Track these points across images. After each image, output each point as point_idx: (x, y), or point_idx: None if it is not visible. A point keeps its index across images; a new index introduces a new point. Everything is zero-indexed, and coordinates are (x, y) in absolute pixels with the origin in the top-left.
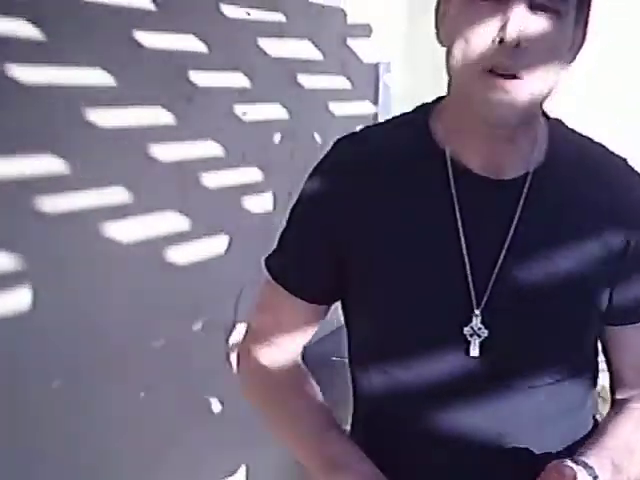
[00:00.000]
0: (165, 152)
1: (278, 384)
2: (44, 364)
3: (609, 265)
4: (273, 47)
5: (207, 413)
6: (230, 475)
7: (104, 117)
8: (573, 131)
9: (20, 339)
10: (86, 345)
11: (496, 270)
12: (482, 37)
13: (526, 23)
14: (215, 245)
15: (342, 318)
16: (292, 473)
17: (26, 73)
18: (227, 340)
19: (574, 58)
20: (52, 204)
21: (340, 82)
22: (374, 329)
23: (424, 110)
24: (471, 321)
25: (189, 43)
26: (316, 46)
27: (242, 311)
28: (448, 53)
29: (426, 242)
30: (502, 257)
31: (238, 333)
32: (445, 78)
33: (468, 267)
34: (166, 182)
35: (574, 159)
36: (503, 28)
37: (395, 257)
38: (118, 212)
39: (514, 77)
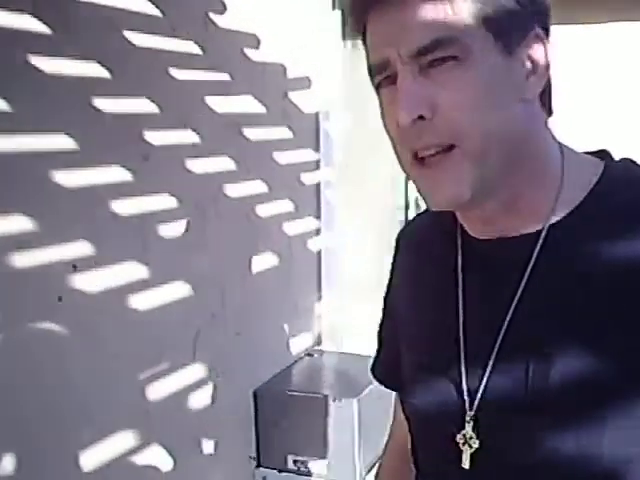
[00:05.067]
0: (125, 207)
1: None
2: (10, 411)
3: None
4: (219, 104)
5: (175, 456)
6: None
7: (68, 177)
8: None
9: None
10: (53, 393)
11: (490, 364)
12: (390, 125)
13: (421, 92)
14: (172, 291)
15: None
16: None
17: None
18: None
19: (542, 84)
20: (21, 259)
21: (283, 132)
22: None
23: None
24: (464, 427)
25: (143, 105)
26: (259, 100)
27: (199, 352)
28: None
29: (431, 324)
30: (497, 347)
31: None
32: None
33: (463, 358)
34: (127, 234)
35: (626, 209)
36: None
37: (409, 335)
38: (83, 264)
39: (439, 153)
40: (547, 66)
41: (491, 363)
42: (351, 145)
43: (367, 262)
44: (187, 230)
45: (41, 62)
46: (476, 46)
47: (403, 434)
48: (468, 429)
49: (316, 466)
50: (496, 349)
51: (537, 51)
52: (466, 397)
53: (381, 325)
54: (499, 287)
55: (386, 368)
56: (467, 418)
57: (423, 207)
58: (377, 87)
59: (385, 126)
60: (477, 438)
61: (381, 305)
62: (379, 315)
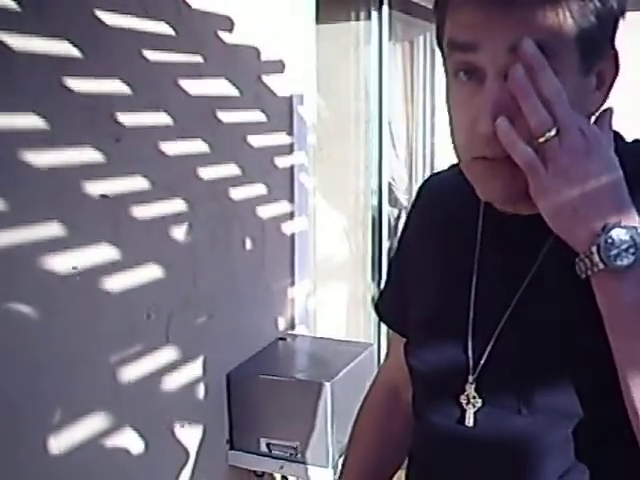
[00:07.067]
0: (96, 189)
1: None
2: None
3: None
4: (193, 86)
5: (148, 435)
6: None
7: (37, 158)
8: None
9: None
10: (22, 375)
11: (497, 331)
12: (462, 125)
13: (506, 101)
14: (144, 274)
15: None
16: None
17: None
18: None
19: (604, 99)
20: None
21: (256, 116)
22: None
23: None
24: (466, 387)
25: (115, 86)
26: (232, 83)
27: (172, 335)
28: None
29: (441, 283)
30: (507, 315)
31: None
32: (355, 106)
33: (471, 324)
34: (98, 216)
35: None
36: (477, 117)
37: (420, 300)
38: (54, 246)
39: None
40: (612, 82)
41: (499, 329)
42: (325, 129)
43: (341, 246)
44: (159, 213)
45: (10, 39)
46: (565, 63)
47: (391, 375)
48: (471, 390)
49: (289, 449)
50: (506, 316)
51: (606, 68)
52: (470, 358)
53: (392, 262)
54: (518, 258)
55: (390, 306)
56: (470, 379)
57: (394, 191)
58: (454, 73)
59: (450, 113)
60: (480, 397)
61: (394, 245)
62: (353, 300)
